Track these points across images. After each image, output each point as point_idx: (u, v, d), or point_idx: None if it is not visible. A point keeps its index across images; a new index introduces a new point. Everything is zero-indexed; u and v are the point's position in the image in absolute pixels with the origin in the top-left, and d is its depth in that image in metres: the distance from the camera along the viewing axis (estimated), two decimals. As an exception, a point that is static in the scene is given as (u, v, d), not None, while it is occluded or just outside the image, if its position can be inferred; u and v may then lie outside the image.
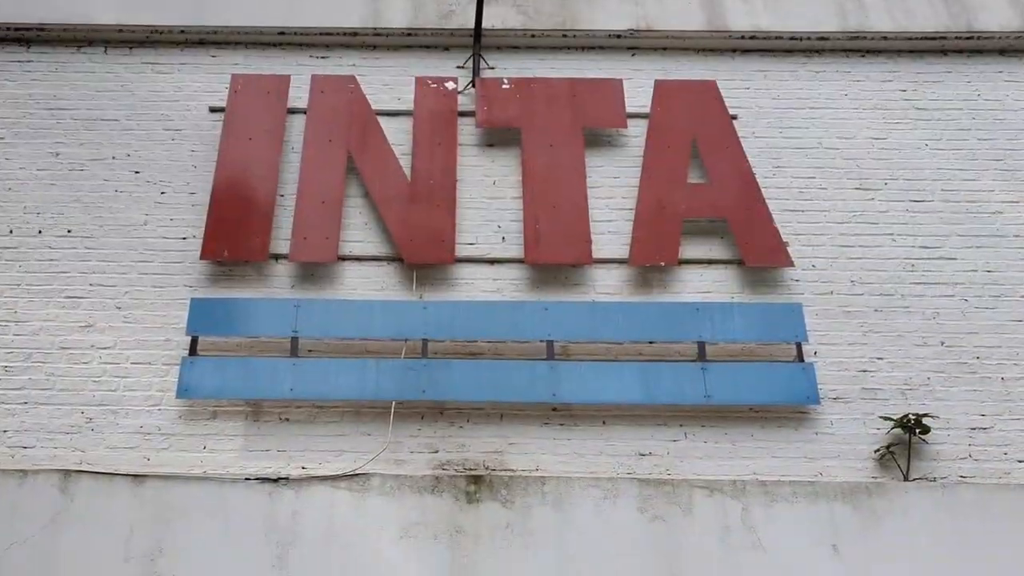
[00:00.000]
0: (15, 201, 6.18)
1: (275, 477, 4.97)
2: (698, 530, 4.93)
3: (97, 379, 5.58)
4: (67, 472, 4.97)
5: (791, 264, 5.99)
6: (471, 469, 5.30)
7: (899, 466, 5.38)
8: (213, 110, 6.52)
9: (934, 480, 5.34)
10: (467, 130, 6.53)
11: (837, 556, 4.90)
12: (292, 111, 6.49)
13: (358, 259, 6.04)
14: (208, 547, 4.77)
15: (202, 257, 5.89)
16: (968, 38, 6.91)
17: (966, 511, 5.05)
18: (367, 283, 5.95)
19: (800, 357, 5.65)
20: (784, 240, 6.05)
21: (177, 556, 4.73)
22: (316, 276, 5.96)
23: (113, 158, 6.37)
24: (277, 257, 5.99)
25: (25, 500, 4.84)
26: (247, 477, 4.99)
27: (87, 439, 5.39)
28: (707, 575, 4.81)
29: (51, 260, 5.98)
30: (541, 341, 5.65)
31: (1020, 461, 5.49)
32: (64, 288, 5.88)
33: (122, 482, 4.94)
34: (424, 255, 5.98)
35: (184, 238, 6.07)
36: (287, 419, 5.48)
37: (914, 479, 5.32)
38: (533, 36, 6.85)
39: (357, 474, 4.97)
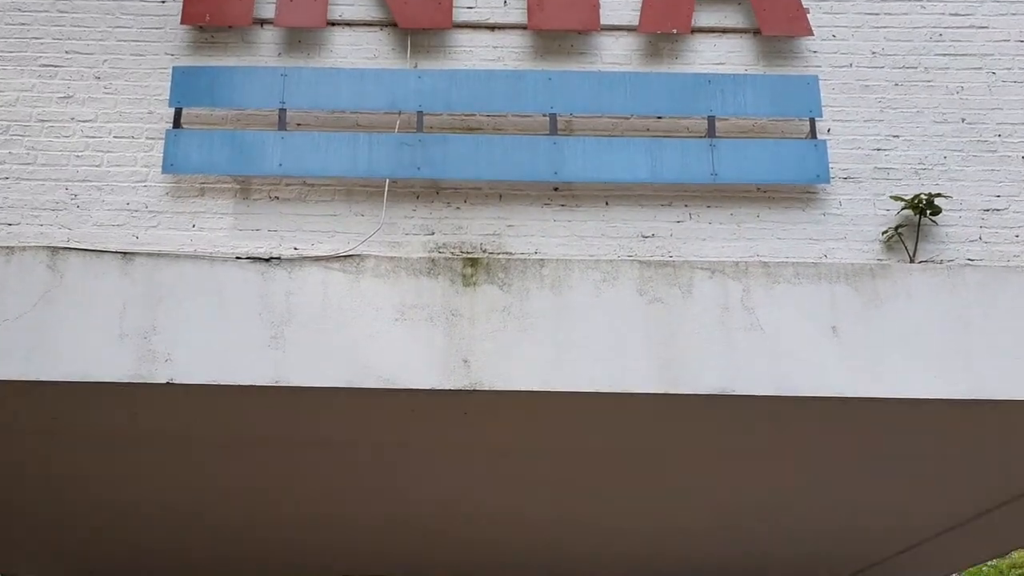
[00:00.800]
0: (-23, -42, 5.74)
1: (267, 257, 4.85)
2: (697, 312, 4.82)
3: (80, 153, 5.37)
4: (55, 249, 4.83)
5: (810, 33, 5.62)
6: (468, 252, 5.18)
7: (906, 248, 5.25)
8: None
9: (940, 262, 5.23)
10: None
11: (836, 338, 4.82)
12: None
13: (348, 24, 5.65)
14: (202, 326, 4.70)
15: (183, 22, 5.53)
16: None
17: (971, 294, 4.89)
18: (358, 51, 5.60)
19: (813, 133, 5.41)
20: (804, 6, 5.65)
21: (171, 334, 4.67)
22: (304, 43, 5.61)
23: (81, -92, 5.86)
24: (263, 23, 5.61)
25: (13, 278, 4.73)
26: (239, 256, 4.87)
27: (73, 216, 5.25)
28: (704, 356, 4.75)
29: (22, 24, 5.59)
30: (543, 115, 5.38)
31: (1031, 243, 5.37)
32: (39, 56, 5.54)
33: (111, 259, 4.81)
34: (419, 18, 5.60)
35: (163, 1, 5.67)
36: (277, 197, 5.31)
37: (920, 261, 5.21)
38: None
39: (351, 255, 4.85)
